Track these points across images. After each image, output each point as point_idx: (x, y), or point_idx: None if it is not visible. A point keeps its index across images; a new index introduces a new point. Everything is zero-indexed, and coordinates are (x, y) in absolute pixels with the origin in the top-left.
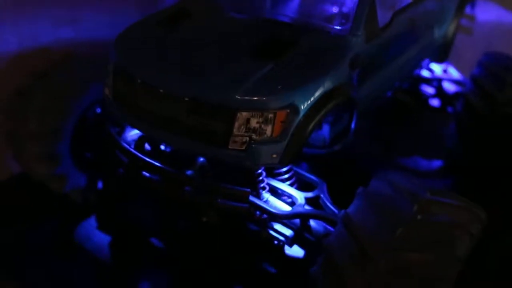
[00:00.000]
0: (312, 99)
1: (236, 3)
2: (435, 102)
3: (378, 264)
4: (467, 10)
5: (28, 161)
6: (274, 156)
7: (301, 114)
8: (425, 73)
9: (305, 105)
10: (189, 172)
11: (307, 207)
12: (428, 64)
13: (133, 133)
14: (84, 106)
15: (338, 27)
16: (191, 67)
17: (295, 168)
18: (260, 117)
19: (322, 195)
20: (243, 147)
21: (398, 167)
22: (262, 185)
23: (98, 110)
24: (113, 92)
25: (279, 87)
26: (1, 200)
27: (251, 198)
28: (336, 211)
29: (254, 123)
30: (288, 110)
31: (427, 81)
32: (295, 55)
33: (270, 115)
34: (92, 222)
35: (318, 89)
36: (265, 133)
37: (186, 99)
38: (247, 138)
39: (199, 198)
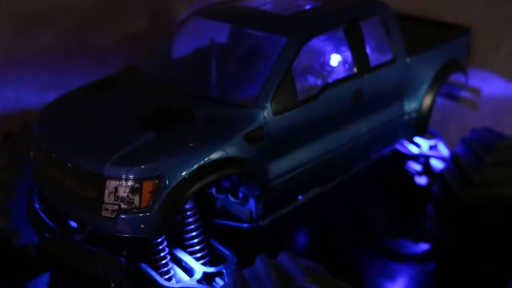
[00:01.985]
0: (185, 170)
1: (156, 73)
2: (421, 180)
3: None
4: (461, 80)
5: None
6: (143, 226)
7: (172, 185)
8: (412, 148)
9: (177, 176)
10: (77, 236)
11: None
12: (413, 140)
13: None
14: None
15: (241, 99)
16: (84, 134)
17: (212, 241)
18: (127, 187)
19: (225, 272)
20: (113, 215)
21: (380, 249)
22: (162, 254)
23: None
24: (32, 156)
25: (148, 157)
26: None
27: (143, 266)
28: None
29: (122, 192)
30: (156, 181)
31: (414, 158)
32: (182, 126)
33: (137, 185)
34: (45, 277)
35: (194, 161)
36: (133, 202)
37: (69, 165)
38: (117, 207)
39: (81, 263)
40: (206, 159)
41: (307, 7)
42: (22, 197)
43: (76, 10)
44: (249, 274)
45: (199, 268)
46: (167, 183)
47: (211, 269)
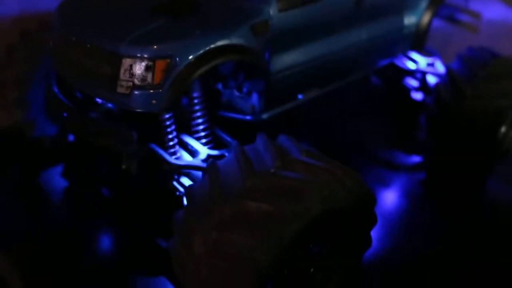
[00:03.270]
0: (194, 52)
1: None
2: (418, 96)
3: (221, 212)
4: (463, 4)
5: (6, 107)
6: (154, 102)
7: (182, 65)
8: (409, 64)
9: (186, 57)
10: (92, 114)
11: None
12: (411, 57)
13: None
14: None
15: None
16: (101, 21)
17: (216, 129)
18: (141, 64)
19: (226, 154)
20: (128, 91)
21: (372, 158)
22: (170, 136)
23: None
24: (51, 44)
25: (161, 39)
26: None
27: (152, 145)
28: None
29: (136, 69)
30: (168, 60)
31: (411, 73)
32: (192, 14)
33: (150, 63)
34: (58, 169)
35: (202, 44)
36: (146, 79)
37: (88, 45)
38: (131, 83)
39: (95, 137)
40: (214, 44)
41: None
42: (38, 90)
43: None
44: (249, 149)
45: (203, 150)
46: (178, 62)
47: (214, 152)
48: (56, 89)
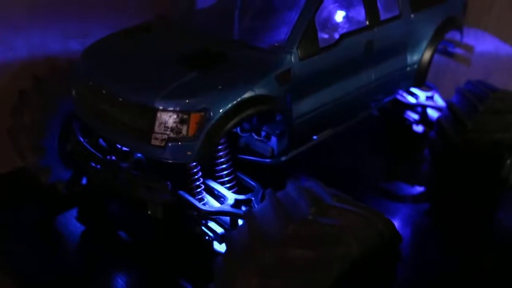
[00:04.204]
0: (227, 105)
1: (187, 22)
2: (419, 128)
3: (263, 258)
4: (457, 38)
5: (21, 152)
6: (189, 153)
7: (215, 117)
8: (410, 99)
9: (220, 109)
10: (123, 164)
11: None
12: (411, 91)
13: None
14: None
15: (272, 43)
16: (130, 72)
17: (238, 173)
18: (176, 118)
19: (253, 199)
20: (163, 144)
21: (378, 190)
22: (197, 183)
23: None
24: (75, 92)
25: (195, 92)
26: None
27: (181, 192)
28: None
29: (171, 123)
30: (203, 113)
31: (411, 107)
32: (220, 66)
33: (185, 116)
34: (73, 212)
35: (234, 96)
36: (181, 132)
37: (120, 99)
38: (166, 136)
39: (126, 187)
40: (244, 95)
41: None
42: (53, 137)
43: None
44: (282, 196)
45: (231, 196)
46: (211, 115)
47: (241, 196)
48: (82, 139)
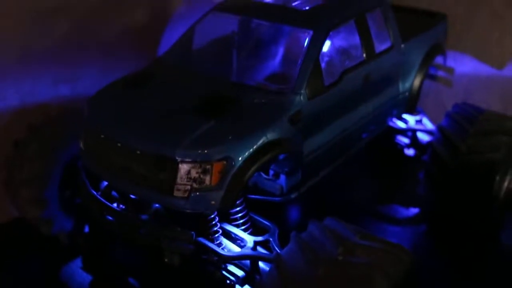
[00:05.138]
0: (247, 152)
1: (188, 63)
2: (410, 152)
3: None
4: (441, 62)
5: (20, 205)
6: (213, 203)
7: (237, 165)
8: (400, 124)
9: (241, 157)
10: (143, 216)
11: (259, 249)
12: (401, 116)
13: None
14: (71, 156)
15: (280, 86)
16: (144, 123)
17: (251, 214)
18: (199, 168)
19: (271, 239)
20: (186, 195)
21: (374, 215)
22: (215, 229)
23: None
24: (84, 145)
25: (216, 141)
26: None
27: (201, 239)
28: None
29: (194, 173)
30: (225, 162)
31: (402, 132)
32: (235, 112)
33: (208, 166)
34: (77, 262)
35: (253, 143)
36: (204, 182)
37: (138, 152)
38: (189, 187)
39: (149, 239)
40: (262, 140)
41: (319, 2)
42: (54, 186)
43: (84, 4)
44: (307, 237)
45: (249, 238)
46: (233, 163)
47: (259, 238)
48: (94, 192)
